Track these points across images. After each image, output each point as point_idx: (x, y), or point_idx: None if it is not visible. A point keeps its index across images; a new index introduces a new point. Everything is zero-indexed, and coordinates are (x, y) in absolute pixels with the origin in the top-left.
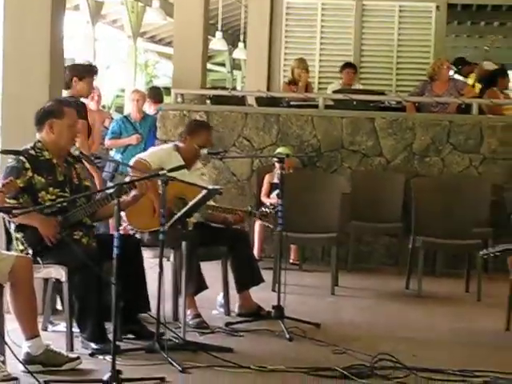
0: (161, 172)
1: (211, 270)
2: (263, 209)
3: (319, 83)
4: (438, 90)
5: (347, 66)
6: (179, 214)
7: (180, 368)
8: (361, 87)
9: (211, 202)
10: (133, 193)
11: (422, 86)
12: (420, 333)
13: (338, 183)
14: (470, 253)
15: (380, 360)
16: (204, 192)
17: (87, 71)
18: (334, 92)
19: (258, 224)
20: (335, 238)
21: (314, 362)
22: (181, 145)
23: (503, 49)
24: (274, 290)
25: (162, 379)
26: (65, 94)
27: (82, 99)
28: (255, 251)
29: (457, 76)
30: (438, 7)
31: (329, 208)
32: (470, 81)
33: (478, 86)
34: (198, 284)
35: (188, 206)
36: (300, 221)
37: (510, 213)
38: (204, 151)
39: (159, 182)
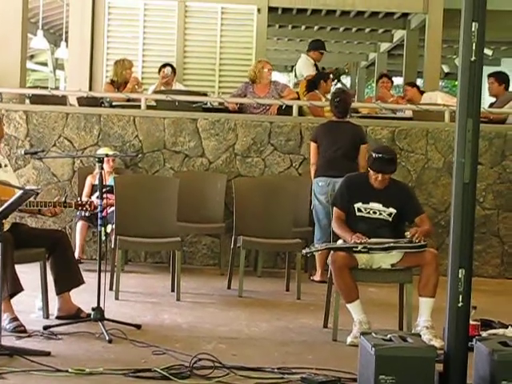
0: None
1: (30, 273)
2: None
3: (142, 84)
4: (260, 92)
5: (164, 66)
6: None
7: None
8: (182, 87)
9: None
10: None
11: (244, 87)
12: (240, 332)
13: (174, 186)
14: (290, 252)
15: (200, 360)
16: (20, 192)
17: None
18: (156, 92)
19: (79, 225)
20: (179, 243)
21: (134, 364)
22: None
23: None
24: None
25: None
26: None
27: None
28: (76, 252)
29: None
30: (259, 10)
31: (168, 212)
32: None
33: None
34: (13, 286)
35: (3, 207)
36: (139, 225)
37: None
38: (21, 151)
39: None
